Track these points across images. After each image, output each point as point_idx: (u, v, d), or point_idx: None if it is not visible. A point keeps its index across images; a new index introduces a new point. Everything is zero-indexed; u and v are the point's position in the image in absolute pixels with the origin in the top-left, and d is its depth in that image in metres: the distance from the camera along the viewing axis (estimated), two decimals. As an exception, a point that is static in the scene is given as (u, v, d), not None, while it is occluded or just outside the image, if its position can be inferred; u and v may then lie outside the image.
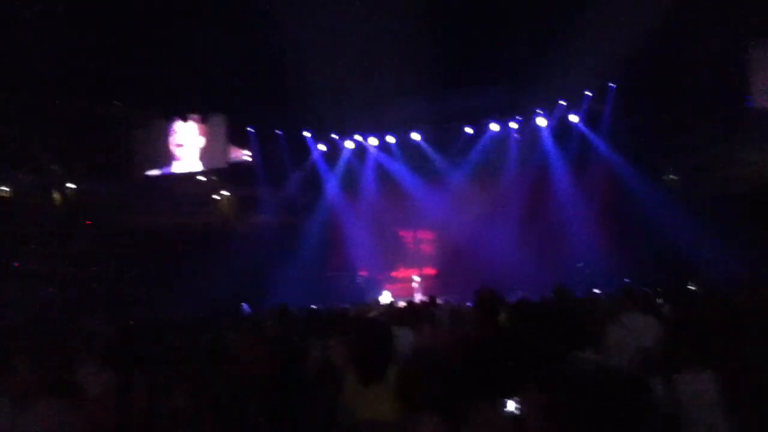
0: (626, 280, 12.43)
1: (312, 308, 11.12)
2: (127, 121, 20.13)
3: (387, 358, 3.31)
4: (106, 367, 3.01)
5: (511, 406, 1.86)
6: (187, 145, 20.23)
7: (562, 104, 19.60)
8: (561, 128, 19.98)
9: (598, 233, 18.52)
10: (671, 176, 20.15)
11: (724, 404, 1.91)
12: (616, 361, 4.31)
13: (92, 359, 2.95)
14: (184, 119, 20.04)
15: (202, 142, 20.14)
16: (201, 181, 21.88)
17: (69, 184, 19.97)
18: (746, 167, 18.90)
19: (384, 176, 21.71)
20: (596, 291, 10.40)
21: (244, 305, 13.77)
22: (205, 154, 20.16)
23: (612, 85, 18.78)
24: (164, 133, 20.37)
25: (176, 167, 20.38)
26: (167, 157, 20.31)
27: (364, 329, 4.09)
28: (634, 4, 15.43)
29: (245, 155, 21.37)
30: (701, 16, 16.93)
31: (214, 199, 22.55)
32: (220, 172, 21.01)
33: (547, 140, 20.24)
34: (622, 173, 18.74)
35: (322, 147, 21.63)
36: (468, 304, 9.55)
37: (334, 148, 21.75)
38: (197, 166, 20.48)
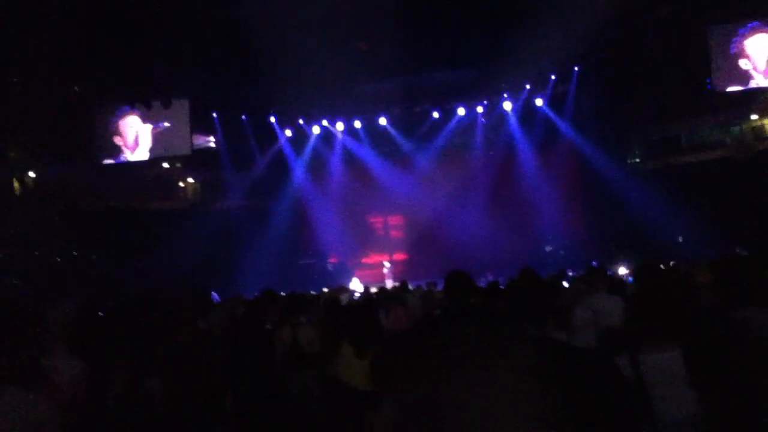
0: (594, 263, 12.63)
1: (283, 294, 11.02)
2: (89, 106, 19.68)
3: (374, 335, 3.77)
4: (76, 354, 2.94)
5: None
6: (150, 131, 19.88)
7: (527, 88, 19.74)
8: (526, 111, 20.14)
9: (565, 215, 18.78)
10: (636, 159, 20.50)
11: (690, 379, 1.95)
12: (582, 341, 4.39)
13: (60, 346, 2.87)
14: (148, 105, 19.63)
15: (165, 127, 19.78)
16: (165, 167, 21.56)
17: (30, 173, 19.49)
18: (708, 148, 19.36)
19: (352, 161, 21.62)
20: (568, 273, 10.51)
21: (214, 294, 13.59)
22: (168, 140, 19.81)
23: (576, 68, 18.97)
24: (126, 119, 19.97)
25: (139, 153, 20.00)
26: (130, 143, 19.92)
27: (356, 308, 4.75)
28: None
29: (209, 141, 21.07)
30: (663, 0, 17.20)
31: (180, 186, 22.23)
32: (185, 158, 20.68)
33: (513, 123, 20.39)
34: (587, 155, 18.99)
35: (287, 132, 21.42)
36: (439, 288, 9.60)
37: (300, 133, 21.56)
38: (161, 152, 20.14)
